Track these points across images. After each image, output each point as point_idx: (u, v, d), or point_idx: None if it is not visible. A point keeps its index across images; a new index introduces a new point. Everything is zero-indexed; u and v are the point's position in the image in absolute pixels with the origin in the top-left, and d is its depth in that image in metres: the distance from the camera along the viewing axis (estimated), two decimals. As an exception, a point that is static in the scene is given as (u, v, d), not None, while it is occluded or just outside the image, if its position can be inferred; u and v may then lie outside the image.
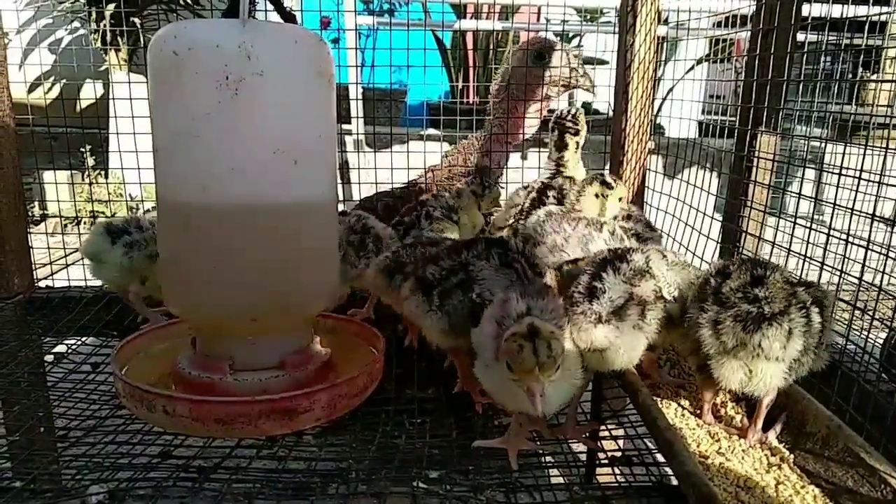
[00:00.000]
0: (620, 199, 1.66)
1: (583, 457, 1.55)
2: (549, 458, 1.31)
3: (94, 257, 1.71)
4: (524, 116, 2.27)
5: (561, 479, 1.24)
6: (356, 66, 2.99)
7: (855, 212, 1.38)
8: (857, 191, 1.38)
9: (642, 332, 1.20)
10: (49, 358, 1.71)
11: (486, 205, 2.00)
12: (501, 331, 1.08)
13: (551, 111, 2.17)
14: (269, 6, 1.45)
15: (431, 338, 1.38)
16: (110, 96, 4.20)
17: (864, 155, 1.37)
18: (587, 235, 1.48)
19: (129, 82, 2.22)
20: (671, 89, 3.95)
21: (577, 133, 2.00)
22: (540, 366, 1.01)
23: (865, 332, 1.46)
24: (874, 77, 3.73)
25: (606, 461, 1.23)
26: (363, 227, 1.70)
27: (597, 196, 1.66)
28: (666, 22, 3.79)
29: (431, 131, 3.57)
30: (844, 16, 1.83)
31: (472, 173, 2.14)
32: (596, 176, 1.67)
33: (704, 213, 1.89)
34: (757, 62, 1.68)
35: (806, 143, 1.93)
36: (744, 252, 1.83)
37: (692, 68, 4.22)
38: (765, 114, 1.67)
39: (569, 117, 1.99)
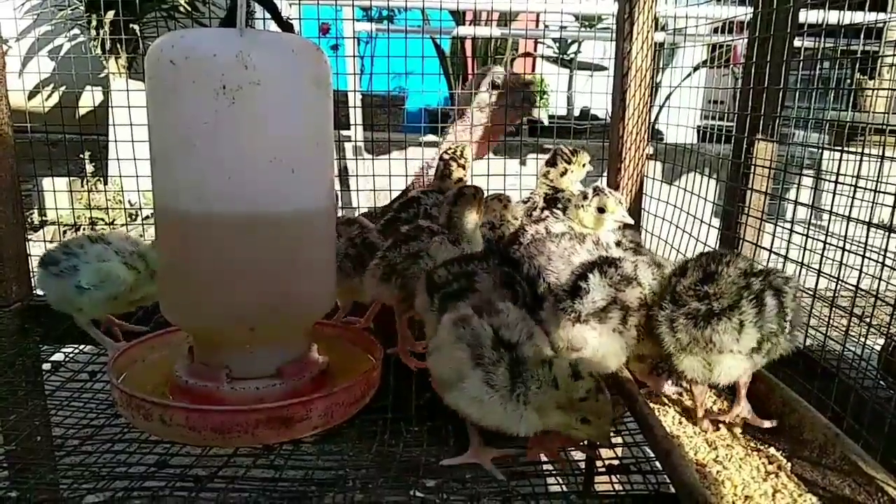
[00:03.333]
0: (616, 208, 1.66)
1: (581, 465, 1.55)
2: (546, 467, 1.30)
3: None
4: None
5: (558, 488, 1.24)
6: (355, 74, 3.00)
7: (851, 219, 1.38)
8: (853, 197, 1.38)
9: (622, 337, 1.22)
10: (46, 366, 1.71)
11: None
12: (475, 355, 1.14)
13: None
14: (267, 15, 1.45)
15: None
16: (109, 103, 4.21)
17: (861, 161, 1.37)
18: (569, 249, 1.49)
19: (128, 90, 2.22)
20: (669, 96, 3.96)
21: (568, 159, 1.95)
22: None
23: (863, 339, 1.46)
24: (871, 83, 3.74)
25: (604, 469, 1.23)
26: (363, 243, 1.68)
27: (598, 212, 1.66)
28: (663, 29, 3.81)
29: (430, 137, 3.57)
30: (841, 22, 1.84)
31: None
32: (590, 196, 1.67)
33: (702, 221, 1.89)
34: (753, 70, 1.69)
35: (803, 150, 1.93)
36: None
37: (689, 75, 4.23)
38: (762, 121, 1.67)
39: (560, 153, 1.95)
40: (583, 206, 1.62)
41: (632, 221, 1.63)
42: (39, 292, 2.10)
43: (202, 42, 1.21)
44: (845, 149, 1.39)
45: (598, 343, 1.21)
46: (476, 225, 1.61)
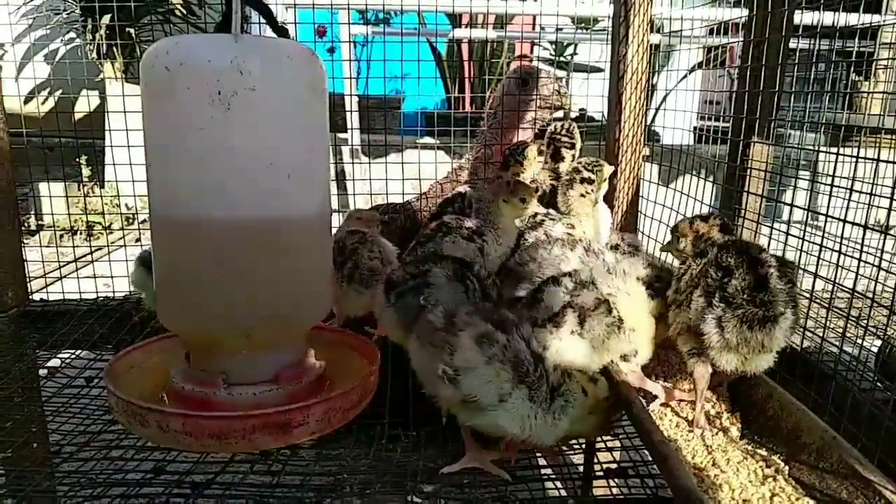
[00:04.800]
0: (605, 181, 1.79)
1: (580, 469, 1.55)
2: (545, 471, 1.30)
3: (141, 288, 1.75)
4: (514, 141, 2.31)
5: (556, 493, 1.24)
6: (351, 78, 3.00)
7: (847, 221, 1.39)
8: (849, 199, 1.38)
9: (581, 338, 1.26)
10: (43, 372, 1.70)
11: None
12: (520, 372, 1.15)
13: (547, 123, 2.21)
14: (263, 20, 1.45)
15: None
16: (106, 108, 4.20)
17: (856, 162, 1.38)
18: (560, 256, 1.53)
19: (124, 95, 2.22)
20: (664, 98, 3.96)
21: (572, 147, 2.04)
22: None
23: (860, 341, 1.46)
24: (867, 83, 3.75)
25: (602, 473, 1.23)
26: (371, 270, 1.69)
27: (583, 196, 1.77)
28: (659, 31, 3.82)
29: (427, 140, 3.58)
30: (836, 24, 1.84)
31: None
32: (574, 177, 1.76)
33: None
34: (749, 72, 1.69)
35: (799, 151, 1.94)
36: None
37: (685, 77, 4.24)
38: (757, 124, 1.68)
39: (563, 131, 2.03)
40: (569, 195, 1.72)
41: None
42: (39, 296, 2.10)
43: (197, 48, 1.21)
44: (842, 152, 1.39)
45: (560, 346, 1.25)
46: (511, 218, 1.72)
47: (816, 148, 1.72)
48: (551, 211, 1.84)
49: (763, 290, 1.19)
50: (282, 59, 1.25)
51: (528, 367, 1.14)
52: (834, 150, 1.46)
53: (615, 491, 1.21)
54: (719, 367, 1.25)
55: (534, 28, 4.96)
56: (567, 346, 1.25)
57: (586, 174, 1.78)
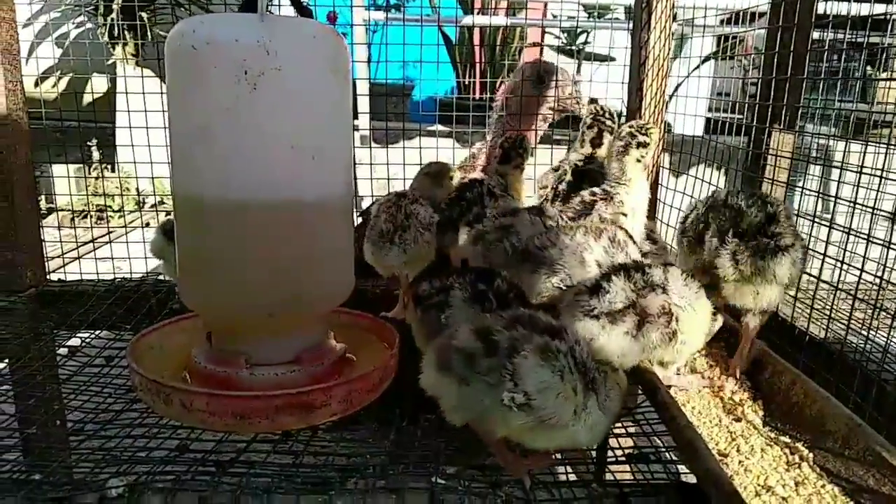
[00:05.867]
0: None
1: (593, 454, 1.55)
2: (557, 455, 1.30)
3: (159, 256, 1.77)
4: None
5: (574, 476, 1.24)
6: (368, 62, 2.99)
7: (864, 208, 1.39)
8: (879, 190, 1.38)
9: (634, 340, 1.21)
10: (63, 351, 1.71)
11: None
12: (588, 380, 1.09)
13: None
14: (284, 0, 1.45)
15: None
16: (117, 91, 4.20)
17: (865, 152, 1.38)
18: (583, 245, 1.48)
19: (126, 76, 2.21)
20: (678, 87, 3.94)
21: (611, 131, 1.96)
22: None
23: (887, 331, 1.45)
24: (884, 75, 3.71)
25: (624, 458, 1.23)
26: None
27: (638, 161, 1.72)
28: (674, 18, 3.78)
29: (439, 127, 3.56)
30: (858, 14, 1.82)
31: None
32: (630, 141, 1.72)
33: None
34: (775, 59, 1.67)
35: (815, 139, 1.92)
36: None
37: (698, 66, 4.21)
38: (783, 111, 1.66)
39: (606, 114, 1.94)
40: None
41: None
42: (57, 276, 2.11)
43: (223, 27, 1.20)
44: (869, 140, 1.38)
45: (606, 342, 1.20)
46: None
47: (832, 136, 1.71)
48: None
49: (773, 224, 1.29)
50: (307, 38, 1.24)
51: (593, 373, 1.08)
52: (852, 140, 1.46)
53: (634, 477, 1.22)
54: (732, 301, 1.34)
55: (544, 15, 4.92)
56: (613, 344, 1.20)
57: (642, 138, 1.70)
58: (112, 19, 4.47)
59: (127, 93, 2.38)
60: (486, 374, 1.03)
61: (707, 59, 4.49)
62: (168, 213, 2.25)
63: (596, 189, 1.75)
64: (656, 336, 1.22)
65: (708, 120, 3.09)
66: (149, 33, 4.28)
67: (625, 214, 1.70)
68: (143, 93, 2.19)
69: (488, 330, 1.08)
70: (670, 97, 3.75)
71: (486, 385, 1.03)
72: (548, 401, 1.01)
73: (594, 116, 1.96)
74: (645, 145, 1.69)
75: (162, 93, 1.65)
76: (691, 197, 2.03)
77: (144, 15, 4.41)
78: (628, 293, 1.23)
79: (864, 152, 1.44)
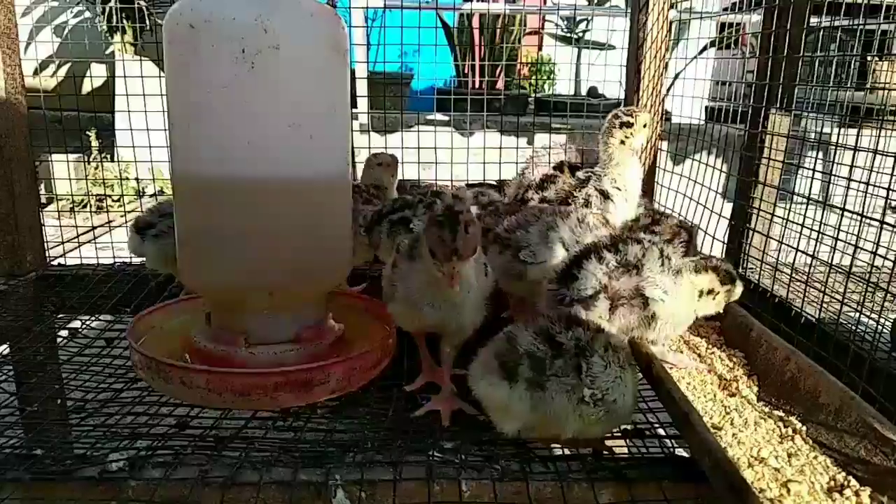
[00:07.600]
0: (645, 126, 1.74)
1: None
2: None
3: (138, 253, 1.77)
4: None
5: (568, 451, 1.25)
6: (364, 45, 2.98)
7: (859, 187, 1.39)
8: (871, 169, 1.38)
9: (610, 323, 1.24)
10: (63, 333, 1.72)
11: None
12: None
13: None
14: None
15: None
16: (115, 80, 4.18)
17: (859, 136, 1.37)
18: (550, 223, 1.47)
19: (122, 60, 2.21)
20: (677, 76, 3.93)
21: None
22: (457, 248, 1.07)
23: (878, 310, 1.46)
24: (883, 64, 3.70)
25: (619, 434, 1.24)
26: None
27: (622, 142, 1.72)
28: (674, 6, 3.76)
29: (438, 116, 3.56)
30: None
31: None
32: (613, 122, 1.72)
33: (717, 192, 1.88)
34: (772, 40, 1.67)
35: (810, 120, 1.92)
36: (755, 232, 1.83)
37: (695, 57, 4.19)
38: (779, 91, 1.67)
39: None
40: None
41: None
42: (58, 261, 2.11)
43: (221, 5, 1.21)
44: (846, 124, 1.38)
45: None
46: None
47: (831, 117, 1.71)
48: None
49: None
50: (305, 17, 1.25)
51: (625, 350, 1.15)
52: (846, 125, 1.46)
53: (626, 451, 1.23)
54: None
55: (544, 2, 4.90)
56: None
57: (625, 118, 1.71)
58: (110, 7, 4.45)
59: (125, 76, 2.38)
60: (562, 375, 1.07)
61: (706, 47, 4.47)
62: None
63: (580, 174, 1.77)
64: (633, 319, 1.26)
65: (708, 108, 3.09)
66: (147, 21, 4.26)
67: (612, 200, 1.70)
68: (142, 76, 2.19)
69: (548, 332, 1.11)
70: (668, 88, 3.74)
71: (562, 386, 1.06)
72: (616, 391, 1.08)
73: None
74: (629, 125, 1.70)
75: (160, 77, 1.65)
76: (691, 180, 2.03)
77: (143, 2, 4.38)
78: (599, 277, 1.26)
79: (859, 135, 1.45)
